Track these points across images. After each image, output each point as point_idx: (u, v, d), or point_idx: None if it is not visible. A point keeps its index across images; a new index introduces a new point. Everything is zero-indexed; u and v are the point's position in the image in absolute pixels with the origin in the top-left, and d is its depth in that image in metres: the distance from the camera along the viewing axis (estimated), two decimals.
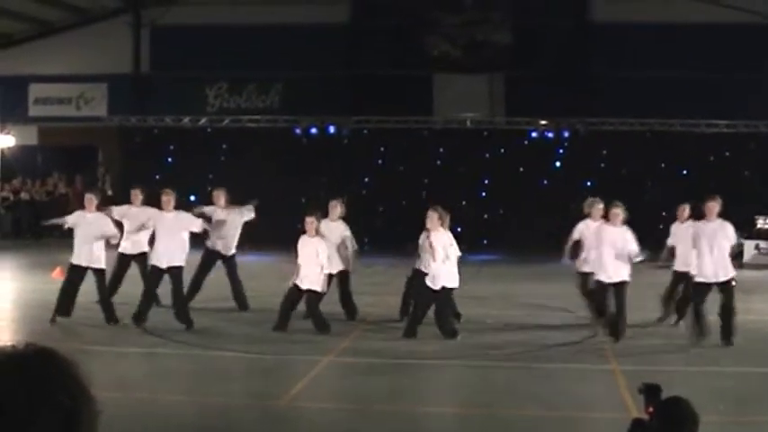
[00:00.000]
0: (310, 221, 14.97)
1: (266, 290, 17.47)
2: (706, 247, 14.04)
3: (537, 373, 12.49)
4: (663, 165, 29.93)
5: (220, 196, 17.46)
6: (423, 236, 14.69)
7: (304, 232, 15.06)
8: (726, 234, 14.06)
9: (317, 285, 14.70)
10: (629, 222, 14.54)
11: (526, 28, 31.71)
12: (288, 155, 30.03)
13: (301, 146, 30.91)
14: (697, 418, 4.53)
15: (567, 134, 30.41)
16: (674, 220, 16.55)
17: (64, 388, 1.96)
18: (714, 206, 14.19)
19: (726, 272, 13.93)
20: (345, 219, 16.39)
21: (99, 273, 15.11)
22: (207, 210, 17.39)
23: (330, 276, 15.27)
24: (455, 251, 14.56)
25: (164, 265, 15.08)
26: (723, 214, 14.30)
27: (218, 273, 17.32)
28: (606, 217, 14.87)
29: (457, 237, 15.12)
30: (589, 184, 29.99)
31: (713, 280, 13.95)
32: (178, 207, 15.73)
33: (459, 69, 31.91)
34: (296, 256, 14.96)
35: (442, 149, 31.12)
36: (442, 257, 14.32)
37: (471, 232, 28.06)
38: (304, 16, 31.61)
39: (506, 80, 31.98)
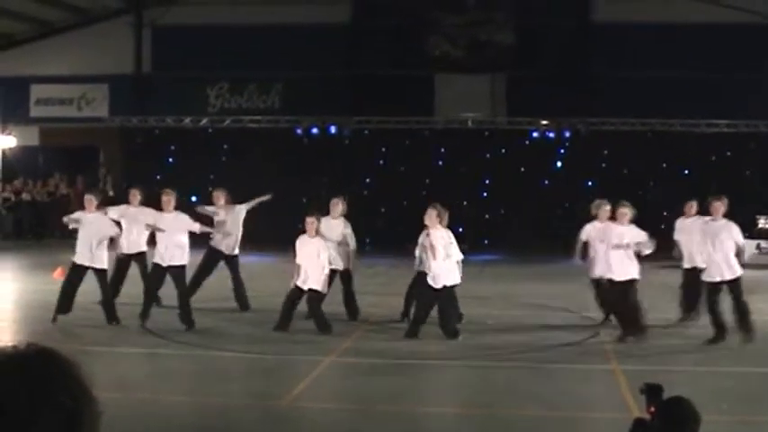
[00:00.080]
0: (311, 222, 14.97)
1: (267, 290, 17.48)
2: (711, 246, 14.09)
3: (538, 373, 12.48)
4: (664, 165, 29.95)
5: (220, 197, 17.47)
6: (423, 235, 14.68)
7: (303, 232, 15.06)
8: (730, 234, 14.08)
9: (319, 285, 14.70)
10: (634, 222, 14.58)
11: (528, 28, 31.71)
12: (289, 155, 30.05)
13: (302, 146, 30.92)
14: (699, 417, 4.53)
15: (568, 134, 30.41)
16: (676, 219, 16.59)
17: (65, 388, 1.96)
18: (720, 206, 14.25)
19: (732, 271, 13.95)
20: (347, 217, 16.39)
21: (100, 273, 15.12)
22: (208, 209, 17.42)
23: (331, 276, 15.26)
24: (456, 249, 14.57)
25: (165, 264, 15.09)
26: (728, 214, 14.34)
27: (219, 273, 17.33)
28: (613, 218, 14.89)
29: (458, 237, 15.12)
30: (590, 184, 30.05)
31: (718, 279, 13.99)
32: (179, 207, 15.72)
33: (459, 69, 31.92)
34: (294, 256, 14.96)
35: (443, 149, 31.14)
36: (442, 256, 14.33)
37: (472, 232, 28.09)
38: (305, 16, 31.63)
39: (508, 80, 32.00)
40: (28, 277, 22.27)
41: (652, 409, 4.65)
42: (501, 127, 31.11)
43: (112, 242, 15.58)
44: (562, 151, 30.80)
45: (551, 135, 30.41)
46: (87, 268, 15.09)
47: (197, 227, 15.59)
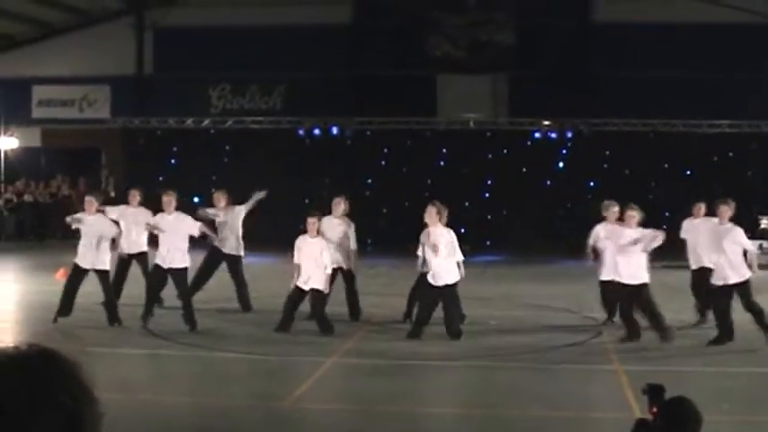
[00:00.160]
0: (312, 222, 14.97)
1: (268, 291, 17.48)
2: (716, 249, 14.16)
3: (541, 373, 12.48)
4: (666, 165, 29.93)
5: (221, 198, 17.46)
6: (424, 233, 14.68)
7: (304, 232, 15.05)
8: (734, 238, 14.09)
9: (321, 285, 14.70)
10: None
11: (529, 28, 31.69)
12: (291, 156, 30.05)
13: (304, 147, 30.92)
14: (700, 417, 4.53)
15: (570, 135, 30.41)
16: (679, 220, 16.61)
17: (66, 389, 1.96)
18: (726, 210, 14.30)
19: (739, 274, 13.96)
20: (350, 217, 16.40)
21: (102, 274, 15.12)
22: (209, 212, 17.40)
23: (333, 275, 15.25)
24: (457, 249, 14.60)
25: (166, 266, 15.09)
26: (734, 218, 14.39)
27: (220, 274, 17.34)
28: (621, 218, 14.91)
29: (460, 237, 15.13)
30: (592, 184, 30.06)
31: (721, 282, 14.02)
32: (180, 209, 15.71)
33: (461, 70, 31.90)
34: (292, 256, 14.97)
35: (444, 150, 31.13)
36: (443, 254, 14.34)
37: (474, 233, 28.10)
38: (306, 17, 31.61)
39: (509, 80, 31.99)
40: (30, 278, 22.27)
41: (654, 409, 4.66)
42: (503, 127, 31.10)
43: (114, 242, 15.58)
44: (564, 152, 30.79)
45: (553, 135, 30.40)
46: (89, 270, 15.09)
47: (197, 227, 15.55)
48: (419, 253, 14.82)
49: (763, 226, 26.29)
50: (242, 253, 17.28)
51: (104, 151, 34.65)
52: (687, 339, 14.24)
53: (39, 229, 32.02)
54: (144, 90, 33.66)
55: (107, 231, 15.30)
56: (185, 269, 15.17)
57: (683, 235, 16.15)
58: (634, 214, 14.38)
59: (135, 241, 16.63)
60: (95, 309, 15.41)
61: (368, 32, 32.58)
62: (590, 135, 29.89)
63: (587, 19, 31.89)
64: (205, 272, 17.14)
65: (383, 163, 31.31)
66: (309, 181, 28.93)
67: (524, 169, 30.43)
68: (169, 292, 15.70)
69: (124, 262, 16.76)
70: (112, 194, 31.02)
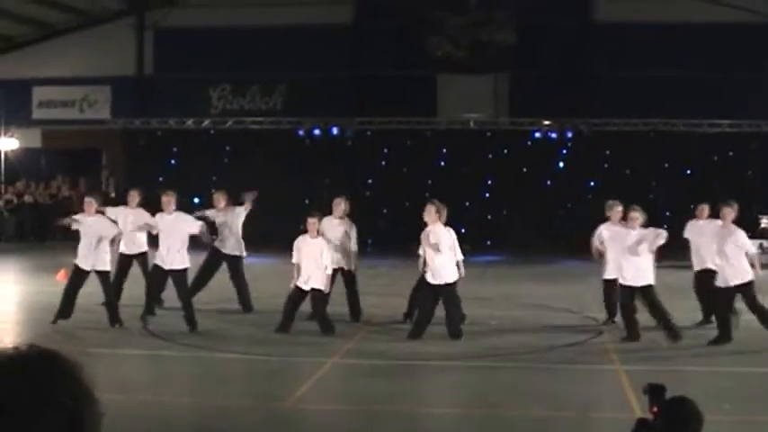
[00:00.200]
0: (312, 222, 14.97)
1: (268, 291, 17.48)
2: (718, 251, 14.19)
3: (541, 373, 12.48)
4: (666, 165, 29.94)
5: (221, 199, 17.46)
6: (424, 232, 14.68)
7: (304, 232, 15.04)
8: (736, 241, 14.12)
9: (322, 285, 14.70)
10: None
11: (529, 28, 31.68)
12: (291, 156, 30.05)
13: (304, 147, 30.92)
14: (701, 417, 4.53)
15: (570, 134, 30.41)
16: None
17: (67, 389, 1.96)
18: (729, 212, 14.37)
19: (741, 276, 13.99)
20: (350, 216, 16.40)
21: (103, 275, 15.12)
22: (208, 213, 17.38)
23: (333, 276, 15.25)
24: (457, 248, 14.62)
25: (166, 267, 15.08)
26: (737, 220, 14.45)
27: (220, 274, 17.34)
28: (625, 219, 14.93)
29: (461, 237, 15.13)
30: (592, 184, 30.07)
31: (723, 285, 14.06)
32: (180, 209, 15.71)
33: (462, 70, 31.90)
34: (291, 257, 14.96)
35: (445, 150, 31.14)
36: (444, 254, 14.34)
37: (475, 233, 28.11)
38: (307, 17, 31.62)
39: (510, 80, 31.99)
40: (30, 279, 22.27)
41: (655, 409, 4.65)
42: (503, 127, 31.10)
43: (113, 242, 15.55)
44: (564, 152, 30.80)
45: (554, 135, 30.40)
46: (90, 271, 15.09)
47: (198, 225, 15.50)
48: (420, 253, 14.82)
49: (763, 226, 26.29)
50: (243, 253, 17.28)
51: (105, 152, 34.67)
52: (688, 339, 14.22)
53: (39, 231, 32.01)
54: (144, 91, 33.67)
55: (107, 232, 15.29)
56: (185, 270, 15.15)
57: (686, 234, 16.16)
58: (637, 216, 14.39)
59: (135, 242, 16.64)
60: (96, 310, 15.42)
61: (368, 32, 32.58)
62: (590, 135, 29.89)
63: (587, 19, 31.89)
64: (206, 273, 17.14)
65: (383, 163, 31.32)
66: (310, 181, 28.95)
67: (525, 169, 30.44)
68: (169, 293, 15.69)
69: (124, 263, 16.76)
70: (113, 195, 31.03)
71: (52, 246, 27.57)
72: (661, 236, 14.24)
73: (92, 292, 15.40)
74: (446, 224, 14.78)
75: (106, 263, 15.13)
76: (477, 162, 30.43)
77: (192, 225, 15.39)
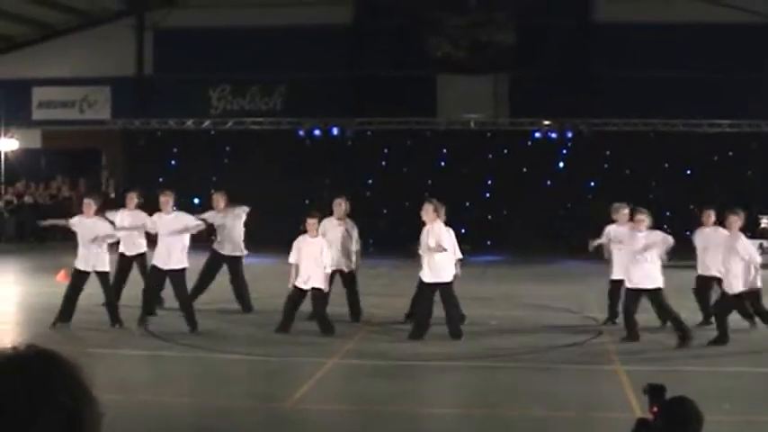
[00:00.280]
0: (312, 222, 14.97)
1: (269, 291, 17.48)
2: (725, 261, 14.23)
3: (541, 373, 12.48)
4: (666, 165, 29.94)
5: (220, 200, 17.45)
6: (423, 232, 14.67)
7: (304, 232, 15.03)
8: (743, 250, 14.15)
9: (322, 284, 14.71)
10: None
11: (529, 28, 31.67)
12: (291, 157, 30.06)
13: (304, 148, 30.93)
14: (701, 417, 4.53)
15: (570, 135, 30.41)
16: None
17: (66, 389, 1.96)
18: (736, 220, 14.44)
19: (744, 283, 14.03)
20: (350, 216, 16.41)
21: (103, 275, 15.10)
22: (207, 215, 17.33)
23: (331, 277, 15.26)
24: (456, 247, 14.62)
25: (164, 267, 15.06)
26: (744, 227, 14.56)
27: (221, 275, 17.33)
28: (632, 221, 14.95)
29: (461, 237, 15.13)
30: (592, 184, 30.09)
31: (728, 290, 14.12)
32: (180, 210, 15.69)
33: (461, 70, 31.89)
34: (287, 253, 14.96)
35: (445, 150, 31.15)
36: (439, 250, 14.34)
37: (475, 233, 28.11)
38: (307, 18, 31.61)
39: (510, 81, 31.98)
40: (30, 280, 22.27)
41: (655, 409, 4.65)
42: (503, 128, 31.09)
43: (111, 242, 15.54)
44: (564, 152, 30.80)
45: (553, 135, 30.40)
46: (90, 273, 15.07)
47: (195, 223, 15.47)
48: (421, 253, 14.82)
49: (763, 226, 26.29)
50: (242, 254, 17.27)
51: (104, 152, 34.67)
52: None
53: (39, 231, 31.99)
54: (144, 91, 33.66)
55: (105, 233, 15.25)
56: (183, 270, 15.11)
57: (695, 244, 16.15)
58: (643, 218, 14.41)
59: (134, 243, 16.65)
60: (96, 310, 15.43)
61: (368, 33, 32.57)
62: (590, 135, 29.89)
63: (587, 19, 31.88)
64: (207, 275, 17.13)
65: (383, 163, 31.32)
66: (310, 182, 28.95)
67: (525, 169, 30.45)
68: (169, 293, 15.68)
69: (124, 263, 16.77)
70: (112, 196, 31.03)
71: (52, 246, 27.55)
72: (668, 241, 14.26)
73: (92, 293, 15.39)
74: (446, 224, 14.79)
75: (105, 264, 15.12)
76: (477, 162, 30.44)
77: (191, 221, 15.36)
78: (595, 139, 29.78)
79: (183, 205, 16.27)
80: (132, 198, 16.97)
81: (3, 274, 23.68)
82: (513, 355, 13.47)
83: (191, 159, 30.81)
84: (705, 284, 15.52)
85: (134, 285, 16.46)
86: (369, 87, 32.11)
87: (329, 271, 14.94)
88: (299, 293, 14.75)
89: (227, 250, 17.14)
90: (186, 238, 15.22)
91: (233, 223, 17.21)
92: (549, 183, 30.60)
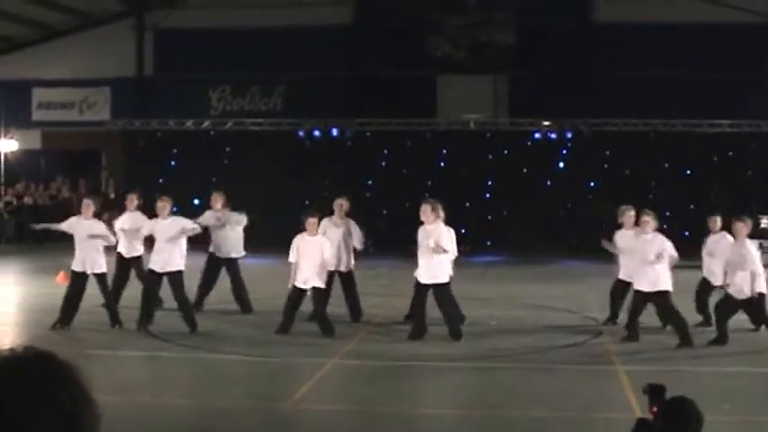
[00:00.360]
0: (312, 222, 14.96)
1: (268, 292, 17.47)
2: (731, 268, 14.27)
3: (541, 374, 12.47)
4: (666, 165, 29.94)
5: (218, 199, 17.45)
6: (422, 231, 14.65)
7: (303, 231, 15.00)
8: (749, 257, 14.17)
9: (322, 282, 14.71)
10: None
11: (529, 28, 31.68)
12: (291, 157, 30.05)
13: (304, 148, 30.92)
14: (701, 417, 4.53)
15: (570, 135, 30.41)
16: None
17: (65, 389, 1.96)
18: (742, 227, 14.52)
19: (751, 289, 14.08)
20: (350, 216, 16.41)
21: (100, 277, 15.09)
22: (204, 218, 17.29)
23: (330, 277, 15.25)
24: (453, 247, 14.62)
25: (161, 270, 15.05)
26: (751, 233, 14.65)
27: (221, 276, 17.33)
28: (638, 224, 14.96)
29: (460, 238, 15.12)
30: (592, 184, 30.09)
31: (735, 296, 14.14)
32: (179, 210, 15.69)
33: (462, 70, 31.90)
34: (287, 254, 14.96)
35: (445, 151, 31.14)
36: (438, 250, 14.33)
37: (475, 233, 28.11)
38: (307, 18, 31.61)
39: (510, 81, 31.97)
40: (30, 281, 22.27)
41: (655, 409, 4.65)
42: (503, 128, 31.09)
43: (109, 244, 15.54)
44: (564, 152, 30.80)
45: (553, 136, 30.40)
46: (88, 274, 15.05)
47: (192, 227, 15.48)
48: (418, 252, 14.81)
49: (763, 226, 26.28)
50: (239, 255, 17.25)
51: (104, 153, 34.68)
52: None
53: (38, 232, 31.96)
54: (144, 92, 33.66)
55: (102, 235, 15.23)
56: (181, 272, 15.10)
57: (703, 253, 16.14)
58: (649, 219, 14.41)
59: (132, 245, 16.64)
60: (96, 311, 15.43)
61: (368, 33, 32.58)
62: (590, 135, 29.88)
63: (587, 19, 31.89)
64: (208, 279, 17.14)
65: (383, 164, 31.32)
66: (309, 182, 28.94)
67: (524, 169, 30.44)
68: (168, 294, 15.66)
69: (122, 264, 16.76)
70: (112, 196, 31.03)
71: (52, 247, 27.52)
72: (674, 258, 14.20)
73: (92, 294, 15.38)
74: (445, 223, 14.78)
75: (102, 265, 15.08)
76: (477, 163, 30.44)
77: (187, 225, 15.34)
78: (595, 140, 29.78)
79: (183, 206, 16.25)
80: (132, 200, 16.98)
81: (2, 275, 23.68)
82: (513, 355, 13.47)
83: (190, 160, 30.80)
84: (709, 287, 15.53)
85: (133, 286, 16.45)
86: (369, 88, 32.11)
87: (331, 267, 14.99)
88: (298, 293, 14.74)
89: (223, 252, 17.14)
90: (183, 243, 15.20)
91: (231, 227, 17.19)
92: (548, 183, 30.60)
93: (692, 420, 4.52)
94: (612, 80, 30.66)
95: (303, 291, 14.72)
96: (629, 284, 15.19)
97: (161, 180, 29.24)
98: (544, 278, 22.96)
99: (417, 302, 14.65)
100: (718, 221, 15.98)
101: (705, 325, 15.26)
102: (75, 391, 1.98)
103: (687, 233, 23.79)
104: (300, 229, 15.08)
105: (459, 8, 31.91)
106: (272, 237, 22.70)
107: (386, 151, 31.31)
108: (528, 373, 12.56)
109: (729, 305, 14.30)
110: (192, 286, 16.13)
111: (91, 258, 14.93)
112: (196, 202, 24.01)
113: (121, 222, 16.71)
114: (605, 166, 30.19)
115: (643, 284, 14.19)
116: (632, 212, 15.74)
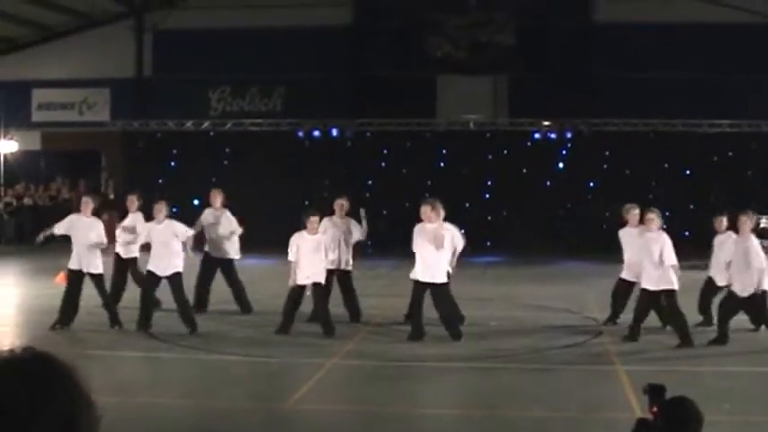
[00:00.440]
0: (313, 221, 14.96)
1: (268, 292, 17.47)
2: (738, 266, 14.25)
3: (541, 374, 12.47)
4: (666, 165, 29.93)
5: (217, 197, 17.44)
6: (421, 230, 14.62)
7: (303, 229, 14.99)
8: (754, 253, 14.15)
9: (322, 279, 14.72)
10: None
11: (529, 28, 31.68)
12: (291, 158, 30.05)
13: (304, 149, 30.91)
14: (701, 417, 4.52)
15: (569, 135, 30.40)
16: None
17: (64, 390, 1.96)
18: (746, 221, 14.50)
19: (755, 286, 14.09)
20: (349, 215, 16.43)
21: (96, 277, 15.07)
22: (202, 219, 17.28)
23: (329, 276, 15.25)
24: (452, 246, 14.64)
25: (160, 273, 15.05)
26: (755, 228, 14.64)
27: (219, 277, 17.32)
28: (642, 222, 14.97)
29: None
30: (592, 184, 30.08)
31: (739, 293, 14.13)
32: (179, 210, 15.70)
33: (462, 71, 31.89)
34: (286, 254, 14.97)
35: (444, 151, 31.12)
36: (436, 250, 14.33)
37: (475, 234, 28.07)
38: (307, 19, 31.60)
39: (510, 81, 31.96)
40: (30, 282, 22.26)
41: (655, 409, 4.64)
42: (503, 128, 31.08)
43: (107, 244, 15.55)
44: (564, 152, 30.79)
45: (553, 136, 30.39)
46: (85, 274, 15.03)
47: (185, 232, 15.48)
48: (414, 250, 14.80)
49: (762, 225, 26.28)
50: (234, 256, 17.23)
51: (104, 154, 34.65)
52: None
53: (38, 233, 31.95)
54: (144, 93, 33.65)
55: (101, 236, 15.22)
56: (179, 273, 15.10)
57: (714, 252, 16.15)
58: (653, 217, 14.40)
59: (129, 246, 16.64)
60: (95, 312, 15.42)
61: (368, 34, 32.58)
62: (590, 135, 29.88)
63: (587, 19, 31.88)
64: (204, 279, 17.11)
65: (383, 164, 31.30)
66: (309, 183, 28.93)
67: (524, 170, 30.43)
68: (167, 295, 15.65)
69: (121, 265, 16.76)
70: (112, 197, 31.02)
71: (51, 248, 27.49)
72: (675, 265, 14.16)
73: (92, 294, 15.38)
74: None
75: (98, 266, 15.08)
76: (477, 163, 30.43)
77: (183, 233, 15.36)
78: (595, 140, 29.78)
79: (183, 207, 16.25)
80: (133, 201, 16.97)
81: (2, 276, 23.68)
82: (513, 355, 13.46)
83: (190, 161, 30.79)
84: (714, 288, 15.52)
85: (133, 286, 16.45)
86: (368, 88, 32.10)
87: (331, 257, 15.04)
88: (298, 291, 14.74)
89: (219, 253, 17.12)
90: (179, 244, 15.21)
91: (225, 225, 17.18)
92: (548, 183, 30.59)
93: (692, 420, 4.51)
94: (612, 80, 30.65)
95: (303, 288, 14.71)
96: (632, 284, 15.20)
97: (161, 181, 29.24)
98: (544, 278, 22.95)
99: (414, 302, 14.62)
100: (724, 221, 15.97)
101: (705, 325, 15.25)
102: (74, 391, 1.98)
103: (687, 233, 23.83)
104: (300, 228, 15.07)
105: (459, 8, 31.91)
106: (271, 237, 22.68)
107: (386, 151, 31.30)
108: (528, 373, 12.56)
109: (733, 304, 14.27)
110: (189, 286, 16.12)
111: (87, 258, 14.93)
112: (196, 202, 23.99)
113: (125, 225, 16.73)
114: (605, 166, 30.18)
115: (649, 283, 14.18)
116: (637, 210, 15.78)
